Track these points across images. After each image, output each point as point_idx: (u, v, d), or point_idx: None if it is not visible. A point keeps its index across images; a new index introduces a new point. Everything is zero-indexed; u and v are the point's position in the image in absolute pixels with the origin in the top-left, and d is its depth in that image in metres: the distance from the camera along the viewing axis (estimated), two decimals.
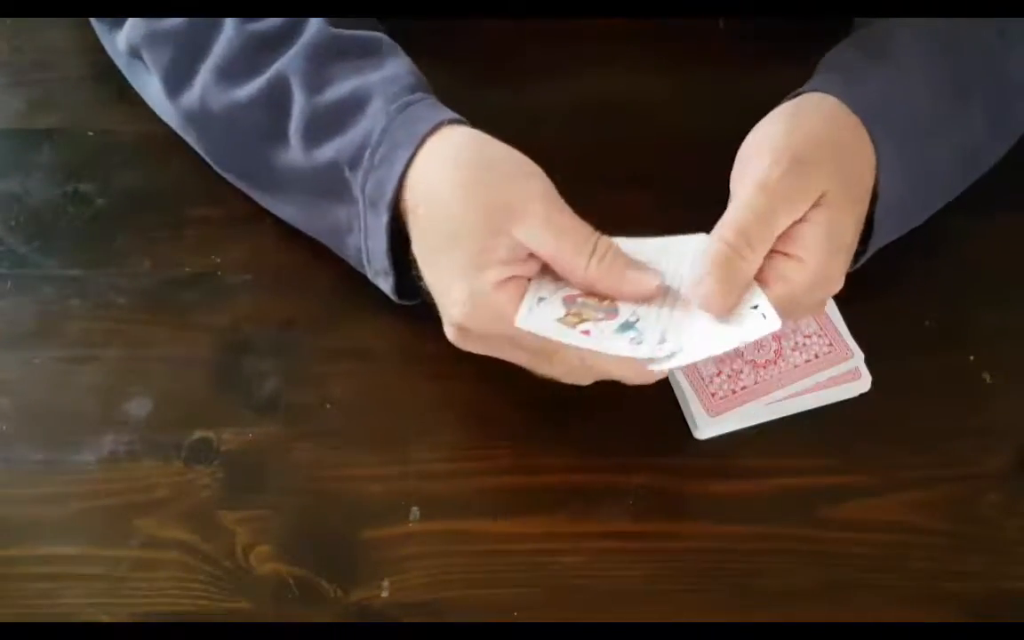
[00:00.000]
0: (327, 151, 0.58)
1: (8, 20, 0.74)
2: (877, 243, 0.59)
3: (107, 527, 0.57)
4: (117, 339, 0.63)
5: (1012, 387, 0.61)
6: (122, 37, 0.64)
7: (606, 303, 0.53)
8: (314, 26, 0.60)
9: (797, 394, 0.59)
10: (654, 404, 0.58)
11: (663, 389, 0.58)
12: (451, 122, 0.56)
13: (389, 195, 0.55)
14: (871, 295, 0.61)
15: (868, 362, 0.60)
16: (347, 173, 0.57)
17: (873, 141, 0.56)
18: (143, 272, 0.65)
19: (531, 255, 0.53)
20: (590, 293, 0.53)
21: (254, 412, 0.60)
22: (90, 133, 0.65)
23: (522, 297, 0.53)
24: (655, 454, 0.58)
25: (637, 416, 0.58)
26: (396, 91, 0.57)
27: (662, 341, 0.52)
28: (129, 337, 0.63)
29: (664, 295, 0.53)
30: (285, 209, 0.63)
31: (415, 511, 0.57)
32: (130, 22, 0.64)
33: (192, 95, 0.62)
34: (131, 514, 0.57)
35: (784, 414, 0.59)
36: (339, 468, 0.58)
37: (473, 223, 0.53)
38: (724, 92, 0.71)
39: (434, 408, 0.60)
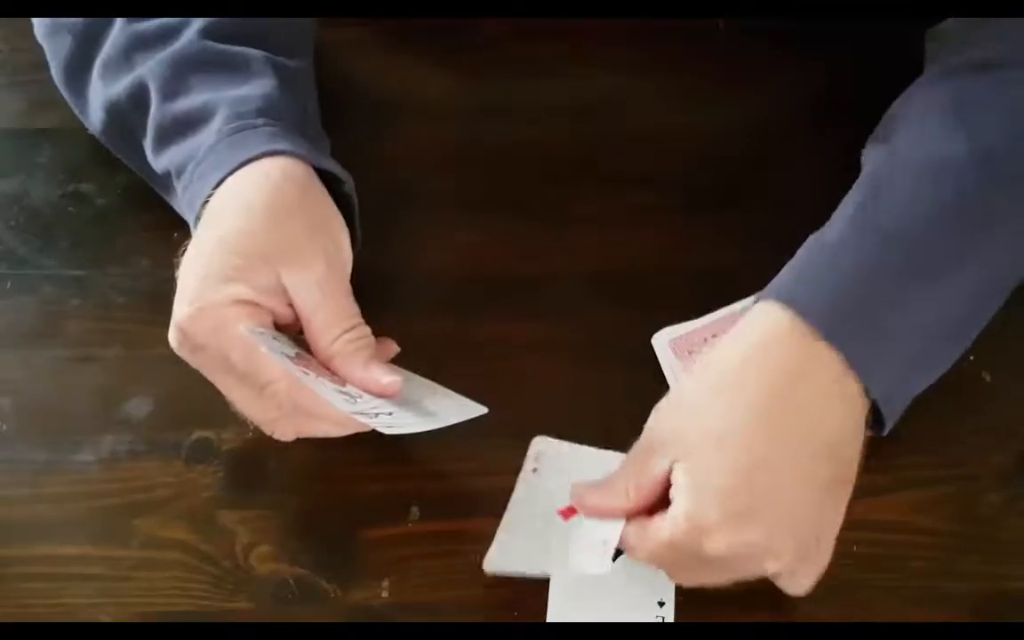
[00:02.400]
0: (164, 159, 0.58)
1: (7, 19, 0.75)
2: (895, 414, 0.54)
3: (107, 527, 0.57)
4: (117, 339, 0.63)
5: (1012, 387, 0.61)
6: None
7: (337, 380, 0.52)
8: (189, 34, 0.59)
9: None
10: (653, 404, 0.58)
11: (663, 385, 0.58)
12: (281, 153, 0.55)
13: (196, 209, 0.55)
14: None
15: None
16: (174, 182, 0.58)
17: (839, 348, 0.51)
18: (143, 272, 0.65)
19: (288, 304, 0.53)
20: (325, 368, 0.52)
21: None
22: (90, 133, 0.65)
23: (255, 324, 0.51)
24: None
25: (637, 415, 0.58)
26: (240, 112, 0.57)
27: (378, 413, 0.51)
28: (129, 337, 0.63)
29: (398, 403, 0.52)
30: (174, 203, 0.62)
31: (415, 511, 0.57)
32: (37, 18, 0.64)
33: (87, 90, 0.62)
34: (131, 514, 0.57)
35: None
36: (339, 468, 0.58)
37: (246, 242, 0.52)
38: (724, 92, 0.71)
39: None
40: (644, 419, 0.53)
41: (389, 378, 0.52)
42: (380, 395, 0.52)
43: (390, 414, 0.51)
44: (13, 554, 0.56)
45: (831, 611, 0.55)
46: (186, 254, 0.54)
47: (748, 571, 0.50)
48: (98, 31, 0.61)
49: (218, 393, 0.60)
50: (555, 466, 0.57)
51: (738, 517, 0.48)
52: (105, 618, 0.54)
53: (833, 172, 0.58)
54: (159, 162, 0.59)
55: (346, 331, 0.53)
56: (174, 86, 0.58)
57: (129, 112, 0.60)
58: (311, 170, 0.56)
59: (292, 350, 0.52)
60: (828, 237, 0.54)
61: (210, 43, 0.59)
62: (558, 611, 0.54)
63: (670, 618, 0.54)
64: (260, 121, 0.56)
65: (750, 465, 0.49)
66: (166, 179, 0.59)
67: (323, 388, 0.50)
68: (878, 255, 0.53)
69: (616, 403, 0.58)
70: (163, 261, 0.64)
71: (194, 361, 0.54)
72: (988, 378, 0.61)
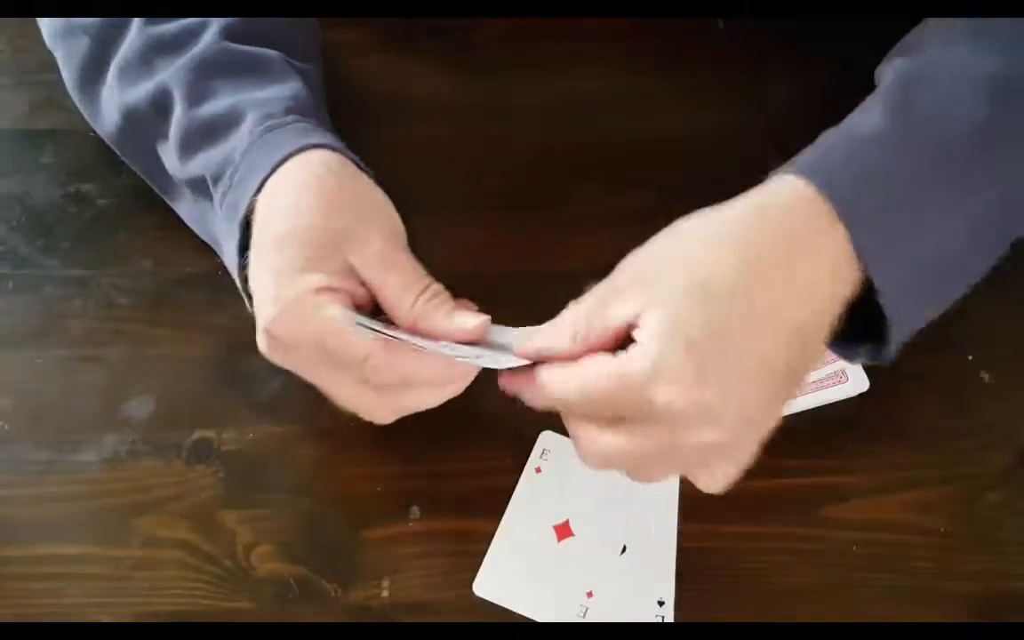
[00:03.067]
0: (196, 164, 0.58)
1: (11, 21, 0.75)
2: (900, 331, 0.51)
3: (108, 527, 0.57)
4: (119, 339, 0.63)
5: (1012, 387, 0.61)
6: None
7: (429, 342, 0.52)
8: (208, 37, 0.59)
9: None
10: None
11: None
12: (316, 147, 0.55)
13: (240, 215, 0.55)
14: None
15: None
16: (211, 188, 0.57)
17: (849, 229, 0.49)
18: (145, 272, 0.65)
19: (361, 283, 0.53)
20: (413, 333, 0.52)
21: (255, 412, 0.60)
22: (92, 134, 0.65)
23: (339, 307, 0.51)
24: None
25: None
26: (268, 112, 0.57)
27: (479, 355, 0.51)
28: (131, 337, 0.63)
29: (484, 346, 0.52)
30: (181, 210, 0.63)
31: (415, 511, 0.57)
32: (45, 21, 0.64)
33: (101, 92, 0.62)
34: (132, 514, 0.57)
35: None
36: (339, 468, 0.58)
37: (306, 235, 0.52)
38: (724, 92, 0.71)
39: (434, 408, 0.60)
40: None
41: (476, 321, 0.52)
42: (471, 340, 0.52)
43: (489, 357, 0.51)
44: (14, 554, 0.56)
45: (831, 611, 0.55)
46: (252, 261, 0.54)
47: (685, 439, 0.47)
48: (115, 33, 0.61)
49: (219, 393, 0.60)
50: (560, 462, 0.57)
51: (701, 372, 0.46)
52: (105, 618, 0.55)
53: None
54: (188, 168, 0.59)
55: (420, 293, 0.53)
56: (198, 91, 0.58)
57: (149, 117, 0.60)
58: (345, 158, 0.56)
59: (380, 324, 0.52)
60: (857, 129, 0.52)
61: (230, 45, 0.59)
62: (556, 611, 0.54)
63: (670, 618, 0.54)
64: (290, 119, 0.57)
65: (727, 326, 0.46)
66: (189, 187, 0.59)
67: (421, 342, 0.51)
68: (908, 156, 0.51)
69: None
70: (165, 261, 0.65)
71: (287, 362, 0.54)
72: (988, 378, 0.61)
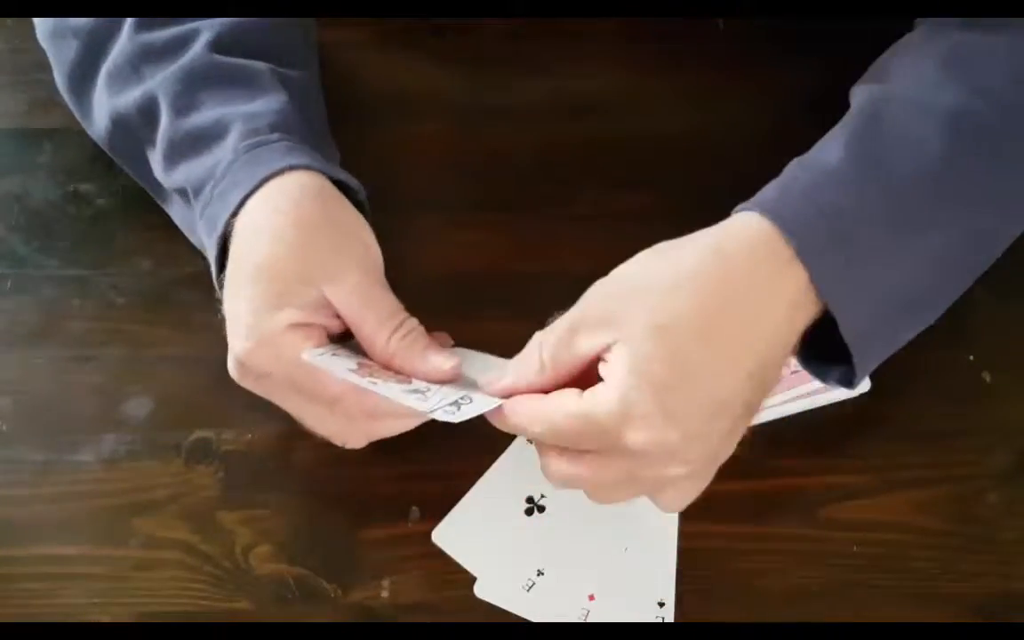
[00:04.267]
0: (178, 175, 0.58)
1: (9, 20, 0.75)
2: (866, 363, 0.52)
3: (107, 527, 0.57)
4: (117, 339, 0.63)
5: (1012, 387, 0.61)
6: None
7: (402, 378, 0.52)
8: (198, 47, 0.59)
9: (788, 400, 0.59)
10: None
11: None
12: (298, 168, 0.55)
13: (219, 230, 0.55)
14: None
15: None
16: (192, 200, 0.57)
17: (806, 265, 0.49)
18: (143, 272, 0.65)
19: (336, 315, 0.53)
20: (387, 369, 0.53)
21: (254, 412, 0.60)
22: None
23: (312, 343, 0.52)
24: None
25: None
26: (254, 128, 0.56)
27: (450, 401, 0.50)
28: (129, 337, 0.63)
29: (464, 385, 0.52)
30: (172, 214, 0.63)
31: (415, 511, 0.57)
32: (39, 19, 0.64)
33: (91, 96, 0.62)
34: (131, 514, 0.57)
35: (781, 416, 0.59)
36: (339, 468, 0.58)
37: (284, 267, 0.52)
38: (724, 92, 0.71)
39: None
40: None
41: (450, 363, 0.52)
42: (445, 381, 0.52)
43: (461, 399, 0.51)
44: (13, 554, 0.56)
45: (831, 611, 0.55)
46: (226, 290, 0.54)
47: (649, 473, 0.49)
48: (105, 37, 0.61)
49: (218, 393, 0.60)
50: None
51: (667, 415, 0.47)
52: (105, 618, 0.55)
53: None
54: (172, 178, 0.59)
55: (396, 329, 0.53)
56: (185, 101, 0.58)
57: (137, 124, 0.60)
58: (327, 180, 0.56)
59: (354, 361, 0.52)
60: (818, 163, 0.53)
61: (218, 57, 0.59)
62: (556, 611, 0.54)
63: (670, 618, 0.54)
64: (275, 136, 0.56)
65: (691, 366, 0.47)
66: (178, 193, 0.59)
67: (392, 391, 0.50)
68: (868, 193, 0.51)
69: None
70: (164, 261, 0.65)
71: (259, 389, 0.54)
72: (988, 378, 0.61)
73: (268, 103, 0.58)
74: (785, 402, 0.59)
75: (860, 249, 0.50)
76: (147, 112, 0.59)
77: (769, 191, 0.52)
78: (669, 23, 0.71)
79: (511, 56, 0.72)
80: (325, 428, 0.55)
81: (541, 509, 0.57)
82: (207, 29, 0.60)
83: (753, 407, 0.50)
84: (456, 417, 0.49)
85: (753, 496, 0.58)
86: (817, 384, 0.59)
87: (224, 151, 0.56)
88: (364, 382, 0.50)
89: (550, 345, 0.50)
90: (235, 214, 0.54)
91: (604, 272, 0.62)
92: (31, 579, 0.56)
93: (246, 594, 0.55)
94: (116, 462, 0.59)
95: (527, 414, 0.50)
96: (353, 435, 0.55)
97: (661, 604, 0.54)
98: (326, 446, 0.58)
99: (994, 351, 0.61)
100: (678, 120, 0.70)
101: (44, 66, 0.65)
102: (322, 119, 0.63)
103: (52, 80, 0.65)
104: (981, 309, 0.63)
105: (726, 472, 0.58)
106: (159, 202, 0.63)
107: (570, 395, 0.49)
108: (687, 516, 0.57)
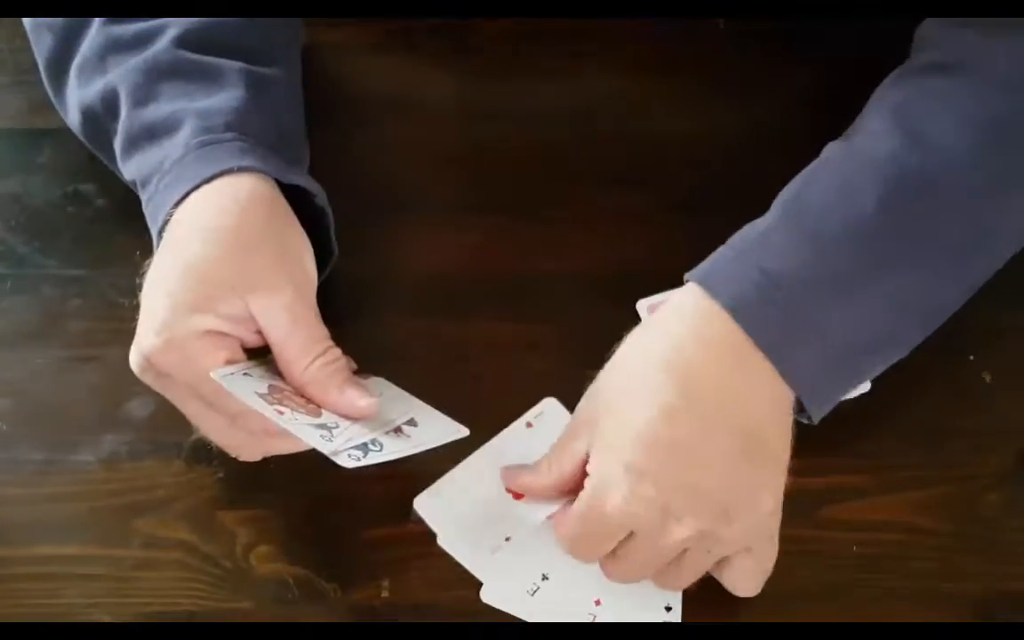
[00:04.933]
0: (131, 166, 0.58)
1: (8, 20, 0.75)
2: (822, 404, 0.54)
3: (108, 527, 0.57)
4: (118, 339, 0.62)
5: (1012, 387, 0.61)
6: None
7: (312, 408, 0.51)
8: (163, 41, 0.59)
9: None
10: None
11: None
12: (249, 170, 0.54)
13: (159, 223, 0.54)
14: None
15: None
16: (140, 191, 0.57)
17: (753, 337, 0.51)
18: (143, 272, 0.65)
19: (256, 331, 0.52)
20: (300, 395, 0.52)
21: None
22: None
23: (225, 355, 0.51)
24: None
25: None
26: (207, 125, 0.56)
27: (356, 444, 0.50)
28: (130, 337, 0.62)
29: (376, 426, 0.52)
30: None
31: (415, 512, 0.57)
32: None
33: (65, 89, 0.62)
34: (132, 514, 0.57)
35: None
36: (339, 468, 0.58)
37: (214, 271, 0.51)
38: (724, 92, 0.71)
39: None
40: None
41: (366, 401, 0.52)
42: (358, 418, 0.52)
43: (371, 443, 0.51)
44: (13, 554, 0.56)
45: (831, 611, 0.55)
46: (149, 276, 0.53)
47: (659, 541, 0.50)
48: (77, 31, 0.61)
49: None
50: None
51: (637, 473, 0.49)
52: (105, 618, 0.55)
53: None
54: (127, 169, 0.58)
55: (318, 356, 0.52)
56: (143, 93, 0.58)
57: (102, 116, 0.59)
58: (277, 188, 0.55)
59: (264, 383, 0.51)
60: (760, 222, 0.55)
61: (183, 52, 0.58)
62: (562, 616, 0.54)
63: (677, 621, 0.54)
64: (228, 135, 0.55)
65: (656, 437, 0.50)
66: (132, 185, 0.59)
67: (298, 427, 0.50)
68: (797, 251, 0.53)
69: None
70: None
71: (157, 386, 0.53)
72: (988, 378, 0.61)
73: (226, 101, 0.57)
74: None
75: (800, 307, 0.52)
76: (109, 104, 0.59)
77: (712, 258, 0.54)
78: (669, 23, 0.71)
79: (511, 56, 0.72)
80: (221, 438, 0.54)
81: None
82: (176, 25, 0.59)
83: (761, 455, 0.51)
84: (361, 462, 0.49)
85: None
86: None
87: (174, 146, 0.55)
88: (269, 412, 0.49)
89: (556, 455, 0.54)
90: (176, 207, 0.53)
91: (604, 272, 0.62)
92: (31, 579, 0.56)
93: (246, 594, 0.55)
94: (116, 462, 0.59)
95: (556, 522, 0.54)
96: (249, 449, 0.54)
97: (668, 608, 0.54)
98: None
99: (994, 351, 0.61)
100: (678, 120, 0.70)
101: None
102: (296, 120, 0.63)
103: None
104: (981, 310, 0.63)
105: None
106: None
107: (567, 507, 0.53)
108: None
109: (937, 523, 0.57)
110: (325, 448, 0.49)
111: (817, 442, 0.59)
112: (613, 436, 0.51)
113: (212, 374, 0.50)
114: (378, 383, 0.56)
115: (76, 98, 0.61)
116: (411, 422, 0.54)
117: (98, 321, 0.63)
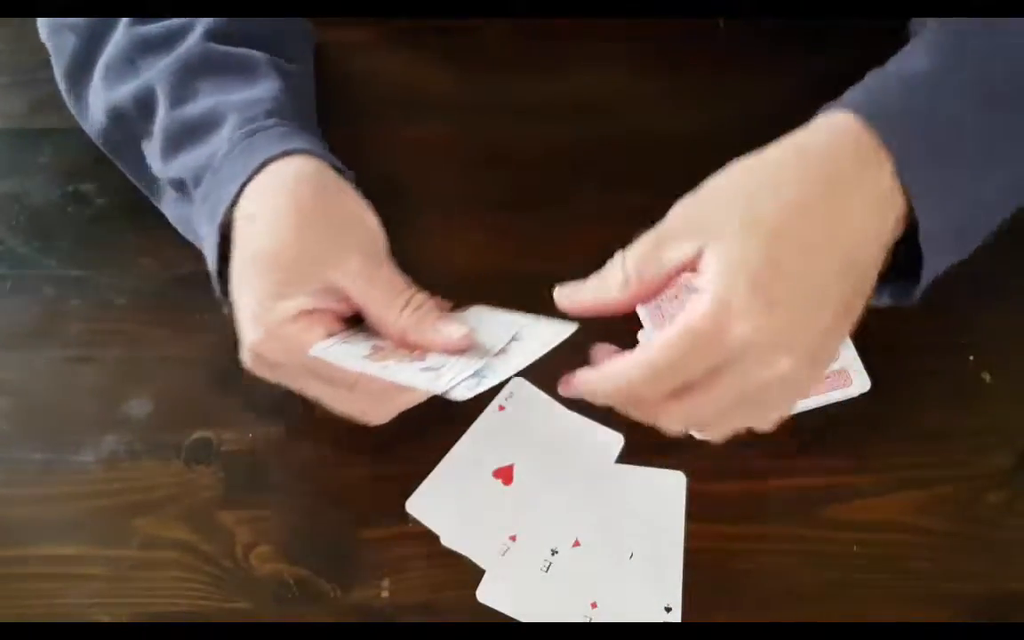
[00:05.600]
0: (177, 165, 0.58)
1: (9, 20, 0.75)
2: (932, 268, 0.53)
3: (107, 527, 0.57)
4: (117, 339, 0.63)
5: (1012, 387, 0.61)
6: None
7: (417, 355, 0.52)
8: (193, 37, 0.59)
9: None
10: None
11: None
12: (295, 152, 0.55)
13: (219, 218, 0.55)
14: None
15: (868, 362, 0.60)
16: (191, 190, 0.57)
17: (897, 166, 0.50)
18: (143, 272, 0.65)
19: (345, 299, 0.53)
20: (401, 346, 0.53)
21: (254, 412, 0.60)
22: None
23: (322, 330, 0.52)
24: (655, 453, 0.58)
25: None
26: (250, 116, 0.57)
27: (467, 375, 0.50)
28: (129, 337, 0.63)
29: (483, 353, 0.52)
30: (165, 209, 0.63)
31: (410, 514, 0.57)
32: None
33: (87, 91, 0.62)
34: (131, 514, 0.57)
35: None
36: (339, 468, 0.58)
37: (283, 256, 0.53)
38: (724, 92, 0.71)
39: (433, 408, 0.60)
40: None
41: (461, 333, 0.52)
42: (459, 351, 0.52)
43: (480, 371, 0.50)
44: (13, 554, 0.56)
45: (831, 611, 0.55)
46: (233, 276, 0.54)
47: (757, 375, 0.48)
48: (102, 32, 0.61)
49: (218, 393, 0.60)
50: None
51: (768, 302, 0.47)
52: (105, 618, 0.55)
53: None
54: (170, 169, 0.59)
55: (404, 305, 0.53)
56: (181, 92, 0.58)
57: (134, 117, 0.60)
58: (323, 162, 0.56)
59: (368, 345, 0.52)
60: (905, 69, 0.53)
61: (214, 46, 0.59)
62: (560, 613, 0.54)
63: (677, 621, 0.54)
64: (271, 122, 0.57)
65: (784, 261, 0.47)
66: (173, 186, 0.59)
67: (405, 375, 0.50)
68: (956, 97, 0.51)
69: None
70: (163, 261, 0.65)
71: (274, 376, 0.55)
72: (988, 378, 0.61)
73: (264, 90, 0.58)
74: None
75: (945, 149, 0.50)
76: (144, 104, 0.59)
77: (854, 92, 0.52)
78: (669, 23, 0.71)
79: (512, 56, 0.72)
80: (348, 408, 0.55)
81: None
82: (202, 22, 0.60)
83: (852, 308, 0.50)
84: (478, 389, 0.49)
85: (753, 496, 0.58)
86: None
87: (220, 140, 0.56)
88: (375, 369, 0.50)
89: (635, 258, 0.50)
90: (234, 203, 0.54)
91: None
92: (30, 579, 0.56)
93: (246, 594, 0.55)
94: (116, 462, 0.59)
95: (621, 371, 0.49)
96: (376, 411, 0.55)
97: (668, 609, 0.54)
98: (326, 446, 0.59)
99: (994, 351, 0.61)
100: (678, 120, 0.70)
101: (44, 66, 0.65)
102: (313, 113, 0.64)
103: (52, 80, 0.65)
104: (981, 310, 0.63)
105: (726, 472, 0.58)
106: (151, 197, 0.63)
107: (667, 320, 0.49)
108: (688, 516, 0.57)
109: (937, 523, 0.57)
110: (437, 387, 0.49)
111: (818, 442, 0.59)
112: (741, 246, 0.47)
113: (312, 351, 0.51)
114: (478, 311, 0.56)
115: (102, 100, 0.61)
116: (515, 338, 0.53)
117: (98, 321, 0.63)
